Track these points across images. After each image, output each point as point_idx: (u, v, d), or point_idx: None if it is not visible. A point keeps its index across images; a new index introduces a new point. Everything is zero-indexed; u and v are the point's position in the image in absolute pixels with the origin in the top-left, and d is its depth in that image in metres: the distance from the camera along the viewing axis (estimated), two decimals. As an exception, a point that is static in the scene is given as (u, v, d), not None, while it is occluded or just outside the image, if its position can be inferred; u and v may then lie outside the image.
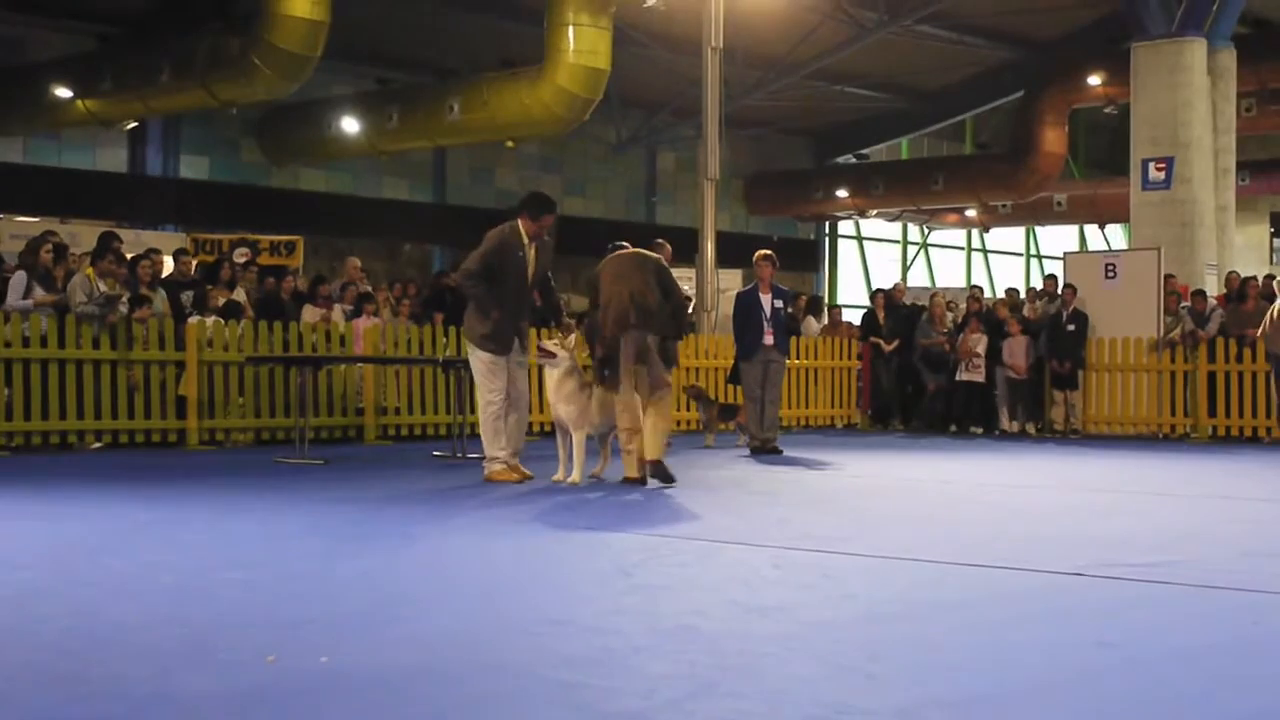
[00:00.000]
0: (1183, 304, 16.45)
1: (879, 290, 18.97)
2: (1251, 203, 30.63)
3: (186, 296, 13.82)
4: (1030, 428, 16.53)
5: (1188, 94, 19.10)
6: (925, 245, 35.81)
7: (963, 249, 36.47)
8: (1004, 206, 30.23)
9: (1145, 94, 19.46)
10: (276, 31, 17.84)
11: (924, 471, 11.32)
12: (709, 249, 17.63)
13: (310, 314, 14.35)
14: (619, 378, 9.17)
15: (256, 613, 4.73)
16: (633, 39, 22.51)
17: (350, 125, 22.85)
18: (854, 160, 31.91)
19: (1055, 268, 22.52)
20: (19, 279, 12.44)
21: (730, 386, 14.77)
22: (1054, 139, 26.60)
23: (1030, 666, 4.02)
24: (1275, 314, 14.25)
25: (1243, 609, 4.97)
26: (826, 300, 27.83)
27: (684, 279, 16.37)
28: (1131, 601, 5.13)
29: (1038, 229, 36.39)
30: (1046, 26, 26.63)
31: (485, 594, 5.19)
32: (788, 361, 13.99)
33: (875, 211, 31.77)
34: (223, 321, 13.33)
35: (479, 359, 9.45)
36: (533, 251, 9.50)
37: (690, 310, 16.73)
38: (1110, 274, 16.78)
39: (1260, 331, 14.66)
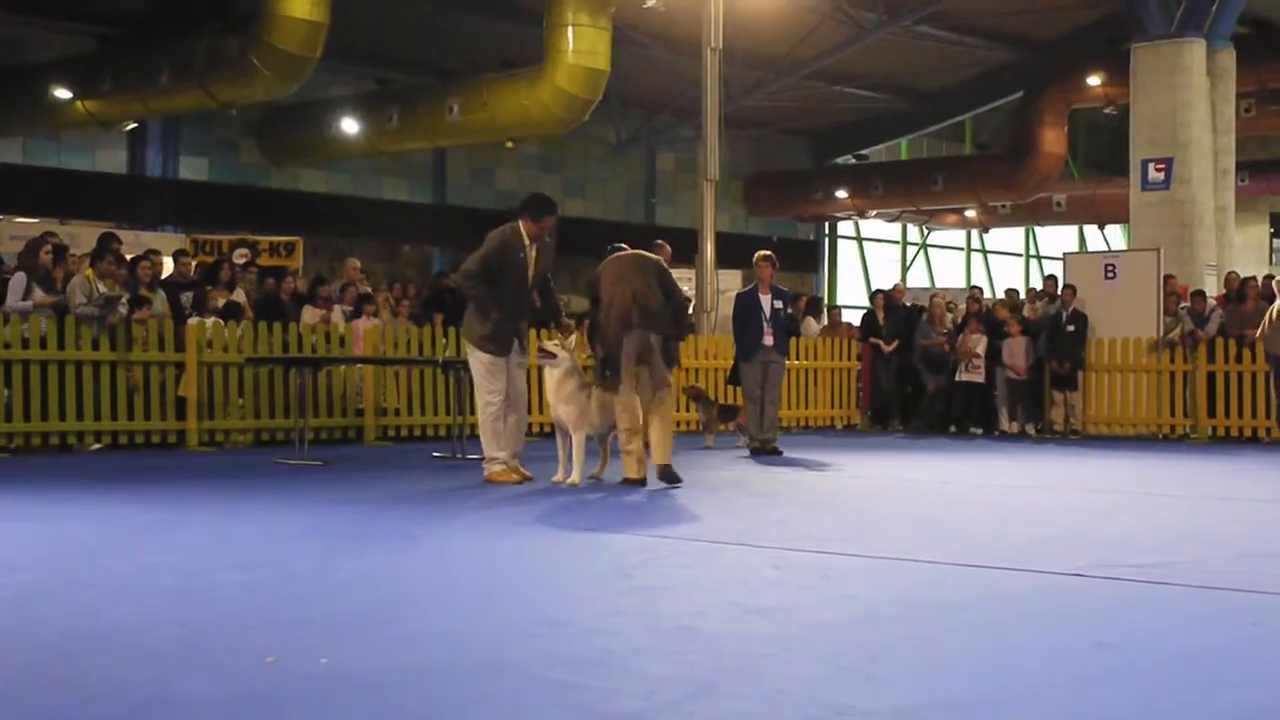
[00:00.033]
0: (1182, 304, 16.45)
1: (878, 291, 18.96)
2: (1251, 203, 30.62)
3: (186, 297, 13.81)
4: (1030, 428, 16.53)
5: (1187, 94, 19.10)
6: (925, 246, 35.82)
7: (962, 249, 36.48)
8: (1003, 207, 30.22)
9: (1145, 94, 19.46)
10: (276, 32, 17.84)
11: (924, 472, 11.32)
12: (708, 250, 17.63)
13: (310, 315, 14.35)
14: (620, 378, 9.19)
15: (256, 614, 4.73)
16: (632, 39, 22.51)
17: (350, 126, 22.85)
18: (853, 161, 31.91)
19: (1055, 268, 22.52)
20: (18, 280, 12.43)
21: (730, 387, 14.78)
22: (1053, 139, 26.60)
23: (1030, 668, 4.02)
24: (1274, 314, 14.24)
25: (1242, 610, 4.97)
26: (826, 301, 27.84)
27: (683, 280, 16.35)
28: (1131, 602, 5.13)
29: (1037, 229, 36.39)
30: (1046, 27, 26.63)
31: (485, 595, 5.19)
32: (787, 362, 13.98)
33: (875, 212, 31.77)
34: (222, 322, 13.33)
35: (478, 360, 9.45)
36: (533, 253, 9.50)
37: (690, 311, 16.73)
38: (1110, 274, 16.78)
39: (1259, 332, 14.65)
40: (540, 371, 10.70)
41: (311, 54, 18.09)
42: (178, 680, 3.74)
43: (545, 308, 10.19)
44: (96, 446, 12.51)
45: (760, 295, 12.71)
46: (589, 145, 27.80)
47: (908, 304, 18.90)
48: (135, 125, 22.43)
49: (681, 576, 5.63)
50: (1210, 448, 14.67)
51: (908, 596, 5.20)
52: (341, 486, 9.43)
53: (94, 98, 20.57)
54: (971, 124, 32.87)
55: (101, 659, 4.02)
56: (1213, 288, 17.97)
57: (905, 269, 34.95)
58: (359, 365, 13.77)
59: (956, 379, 16.75)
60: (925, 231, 35.44)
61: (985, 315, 17.14)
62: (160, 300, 13.39)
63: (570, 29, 18.72)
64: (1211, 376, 15.80)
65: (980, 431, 16.57)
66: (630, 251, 9.68)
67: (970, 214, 31.92)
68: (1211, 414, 15.79)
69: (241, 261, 16.71)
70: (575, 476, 9.18)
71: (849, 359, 17.97)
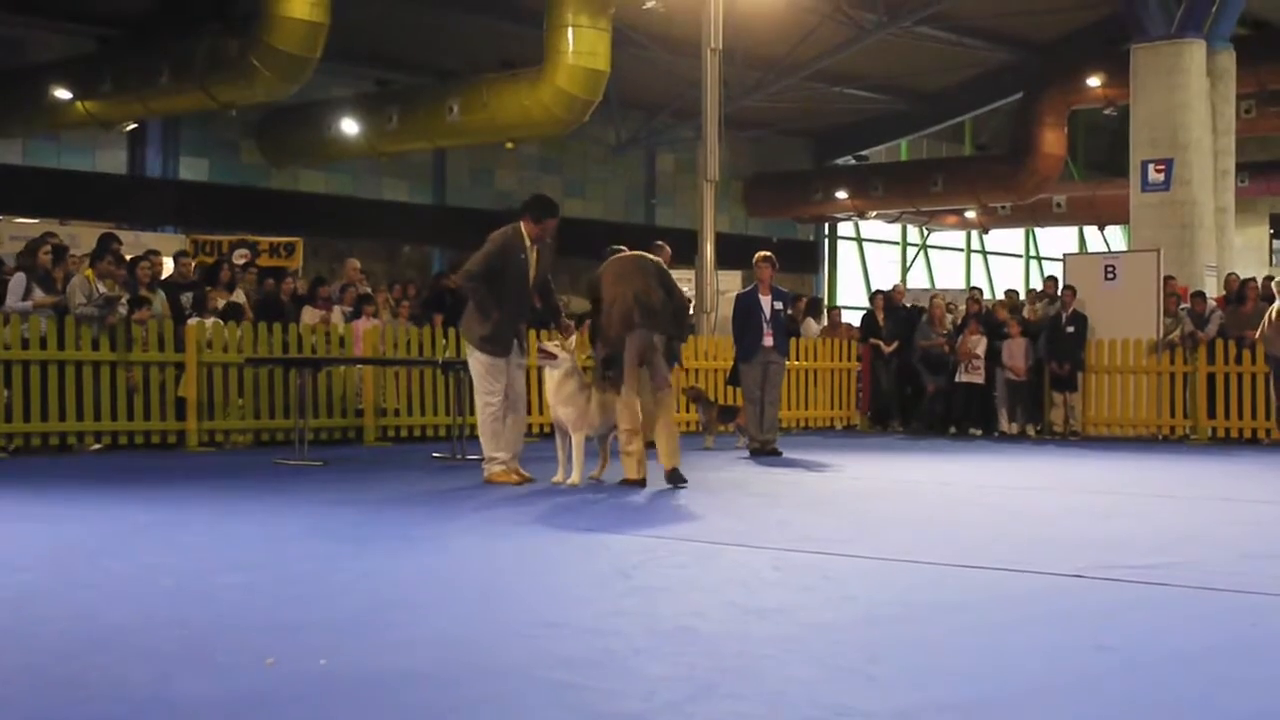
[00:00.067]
0: (1182, 306, 16.45)
1: (878, 292, 18.96)
2: (1251, 204, 30.62)
3: (186, 298, 13.81)
4: (1030, 429, 16.53)
5: (1187, 95, 19.10)
6: (925, 247, 35.82)
7: (962, 250, 36.48)
8: (1003, 208, 30.21)
9: (1144, 95, 19.46)
10: (276, 33, 17.84)
11: (923, 473, 11.32)
12: (708, 250, 17.63)
13: (310, 315, 14.35)
14: (621, 378, 9.20)
15: (255, 615, 4.73)
16: (632, 40, 22.51)
17: (350, 127, 22.85)
18: (853, 162, 31.92)
19: (1055, 269, 22.52)
20: (18, 281, 12.43)
21: (730, 388, 14.78)
22: (1053, 140, 26.59)
23: (1030, 669, 4.02)
24: (1274, 315, 14.25)
25: (1242, 611, 4.98)
26: (826, 302, 27.83)
27: (683, 281, 16.33)
28: (1131, 604, 5.13)
29: (1037, 230, 36.39)
30: (1046, 28, 26.62)
31: (484, 596, 5.19)
32: (787, 363, 13.98)
33: (875, 213, 31.77)
34: (222, 323, 13.33)
35: (477, 360, 9.45)
36: (534, 254, 9.51)
37: (689, 311, 16.73)
38: (1110, 275, 16.78)
39: (1259, 333, 14.67)
40: (540, 372, 10.70)
41: (311, 55, 18.09)
42: (177, 681, 3.74)
43: (545, 308, 10.19)
44: (96, 447, 12.51)
45: (760, 296, 12.71)
46: (589, 146, 27.81)
47: (907, 305, 18.90)
48: (135, 126, 22.43)
49: (681, 577, 5.63)
50: (1210, 449, 14.67)
51: (907, 597, 5.20)
52: (341, 487, 9.43)
53: (94, 98, 20.58)
54: (971, 125, 32.87)
55: (101, 659, 4.02)
56: (1212, 289, 17.97)
57: (905, 270, 34.95)
58: (359, 366, 13.77)
59: (956, 380, 16.74)
60: (925, 232, 35.44)
61: (985, 316, 17.15)
62: (160, 301, 13.39)
63: (570, 30, 18.72)
64: (1211, 378, 15.79)
65: (980, 433, 16.57)
66: (631, 252, 9.71)
67: (970, 215, 31.92)
68: (1211, 415, 15.79)
69: (241, 262, 16.71)
70: (575, 477, 9.19)
71: (849, 360, 17.97)
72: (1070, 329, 16.23)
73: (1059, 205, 30.44)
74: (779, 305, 12.83)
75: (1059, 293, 16.88)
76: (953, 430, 16.76)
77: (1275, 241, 34.45)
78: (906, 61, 26.79)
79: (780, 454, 12.50)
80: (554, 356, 9.33)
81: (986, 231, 34.43)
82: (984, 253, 36.56)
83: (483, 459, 9.54)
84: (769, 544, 6.55)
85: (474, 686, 3.74)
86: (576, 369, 9.44)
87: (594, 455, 9.63)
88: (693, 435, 14.66)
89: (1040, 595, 5.28)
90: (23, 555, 6.22)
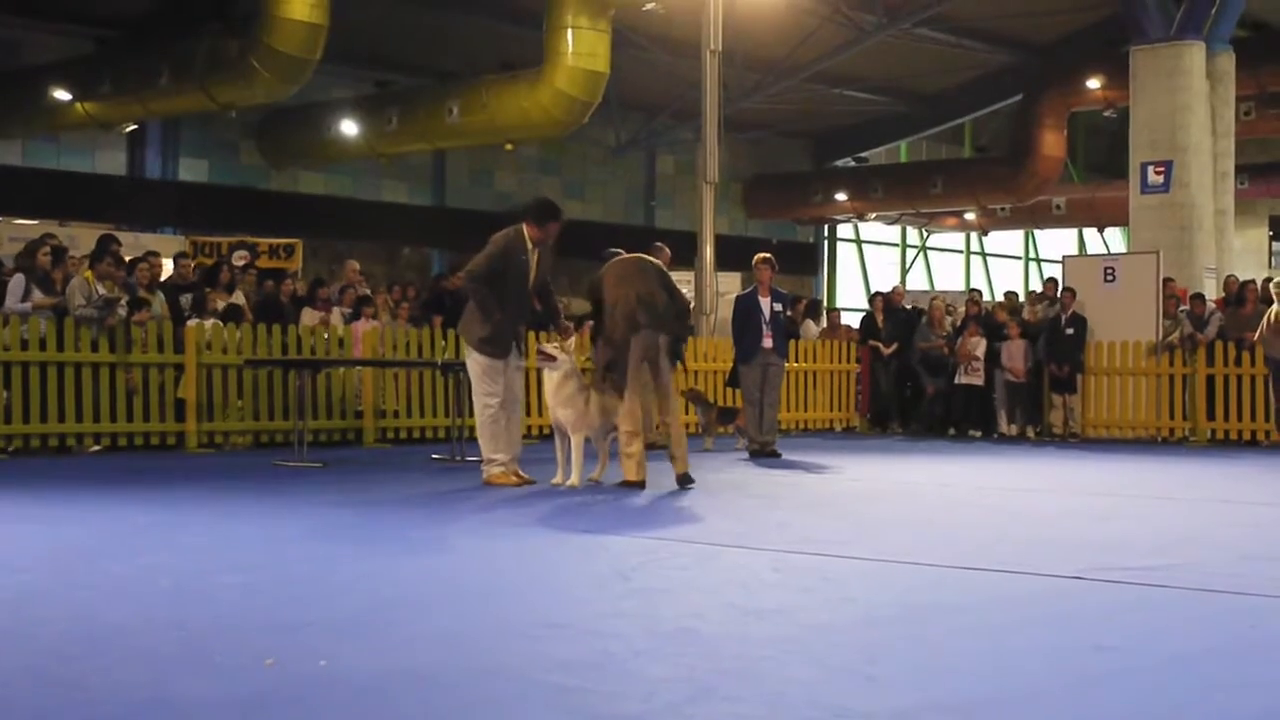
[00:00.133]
0: (1181, 307, 16.45)
1: (878, 293, 18.97)
2: (1250, 206, 30.64)
3: (185, 299, 13.81)
4: (1029, 431, 16.53)
5: (1186, 97, 19.11)
6: (924, 248, 35.82)
7: (961, 252, 36.49)
8: (1003, 210, 30.23)
9: (1144, 97, 19.47)
10: (275, 34, 17.84)
11: (923, 475, 11.32)
12: (708, 252, 17.64)
13: (309, 317, 14.35)
14: (624, 380, 9.21)
15: (255, 616, 4.73)
16: (632, 42, 22.52)
17: (349, 128, 22.86)
18: (853, 163, 31.93)
19: (1054, 271, 22.55)
20: (17, 282, 12.43)
21: (729, 390, 14.78)
22: (1053, 142, 26.60)
23: (1029, 670, 4.02)
24: (1273, 317, 14.26)
25: (1241, 613, 4.98)
26: (825, 303, 27.84)
27: (683, 282, 16.32)
28: (1130, 605, 5.13)
29: (1036, 232, 36.40)
30: (1045, 30, 26.64)
31: (484, 597, 5.19)
32: (786, 365, 13.98)
33: (874, 214, 31.77)
34: (221, 324, 13.33)
35: (476, 362, 9.46)
36: (535, 257, 9.51)
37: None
38: (1109, 277, 16.79)
39: (1258, 335, 14.67)
40: (539, 374, 10.70)
41: (311, 56, 18.09)
42: (176, 681, 3.74)
43: (545, 310, 10.20)
44: (96, 448, 12.51)
45: (759, 298, 12.72)
46: (588, 148, 27.81)
47: (907, 306, 18.91)
48: (135, 127, 22.43)
49: (681, 579, 5.63)
50: (1209, 451, 14.67)
51: (907, 599, 5.20)
52: (340, 489, 9.43)
53: (93, 99, 20.58)
54: (971, 127, 32.89)
55: (100, 660, 4.02)
56: (1212, 291, 17.97)
57: (904, 271, 34.96)
58: (358, 367, 13.77)
59: (955, 382, 16.75)
60: (924, 234, 35.45)
61: (984, 318, 17.16)
62: (159, 302, 13.38)
63: (570, 31, 18.73)
64: (1210, 379, 15.79)
65: (979, 434, 16.57)
66: (631, 254, 9.72)
67: (969, 217, 31.93)
68: (1210, 417, 15.79)
69: (241, 263, 16.72)
70: (574, 479, 9.19)
71: (848, 361, 17.97)
72: (1069, 331, 16.24)
73: (1058, 207, 30.46)
74: (778, 307, 12.84)
75: (1058, 295, 16.88)
76: (952, 432, 16.76)
77: (1275, 243, 34.47)
78: (906, 63, 26.80)
79: (779, 455, 12.51)
80: (553, 358, 9.34)
81: (986, 233, 34.44)
82: (983, 254, 36.58)
83: (482, 460, 9.55)
84: (768, 545, 6.55)
85: (473, 687, 3.74)
86: (575, 371, 9.44)
87: (593, 457, 9.64)
88: (692, 437, 14.65)
89: (1040, 597, 5.28)
90: (22, 556, 6.22)
